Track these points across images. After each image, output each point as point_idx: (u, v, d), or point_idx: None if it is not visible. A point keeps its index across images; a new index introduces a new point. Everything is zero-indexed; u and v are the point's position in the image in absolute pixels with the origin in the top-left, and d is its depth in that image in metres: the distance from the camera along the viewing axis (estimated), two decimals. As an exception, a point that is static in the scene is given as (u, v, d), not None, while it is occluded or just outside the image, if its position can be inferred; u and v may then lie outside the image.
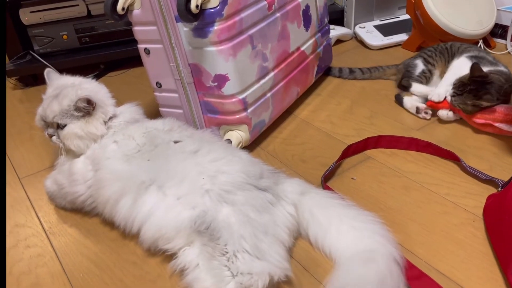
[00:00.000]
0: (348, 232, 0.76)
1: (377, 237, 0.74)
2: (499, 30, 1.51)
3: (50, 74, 0.95)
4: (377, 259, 0.69)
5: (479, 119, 1.04)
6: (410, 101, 1.19)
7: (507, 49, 1.46)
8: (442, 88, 1.13)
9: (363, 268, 0.69)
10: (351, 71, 1.39)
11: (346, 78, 1.40)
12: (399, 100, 1.23)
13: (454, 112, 1.11)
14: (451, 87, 1.10)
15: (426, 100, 1.17)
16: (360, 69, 1.39)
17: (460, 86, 1.07)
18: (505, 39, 1.49)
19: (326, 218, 0.79)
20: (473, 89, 1.05)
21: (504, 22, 1.49)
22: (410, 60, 1.28)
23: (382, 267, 0.68)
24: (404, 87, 1.24)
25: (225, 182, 0.78)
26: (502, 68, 1.11)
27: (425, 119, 1.15)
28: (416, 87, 1.21)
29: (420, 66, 1.24)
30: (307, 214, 0.80)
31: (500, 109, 1.03)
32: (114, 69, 1.60)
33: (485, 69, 1.07)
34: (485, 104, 1.04)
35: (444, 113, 1.12)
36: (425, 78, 1.22)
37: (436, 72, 1.22)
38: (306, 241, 0.81)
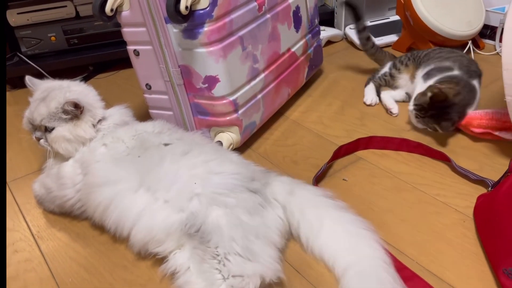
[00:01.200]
0: (341, 236, 0.76)
1: (372, 242, 0.73)
2: (488, 31, 1.52)
3: (32, 80, 0.93)
4: (381, 269, 0.69)
5: (477, 129, 1.03)
6: (383, 98, 1.24)
7: (495, 50, 1.47)
8: (386, 96, 1.22)
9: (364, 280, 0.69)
10: (369, 39, 1.33)
11: (362, 40, 1.34)
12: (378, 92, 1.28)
13: None
14: (410, 106, 1.08)
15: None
16: (374, 43, 1.34)
17: (422, 110, 1.04)
18: (494, 40, 1.50)
19: (317, 218, 0.78)
20: (434, 114, 1.02)
21: (493, 23, 1.50)
22: (392, 59, 1.30)
23: (380, 274, 0.68)
24: (367, 83, 1.30)
25: (216, 184, 0.77)
26: (456, 73, 1.08)
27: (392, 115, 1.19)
28: (368, 88, 1.27)
29: (385, 68, 1.27)
30: (297, 214, 0.80)
31: (496, 116, 1.02)
32: (103, 71, 1.58)
33: (444, 75, 1.07)
34: (442, 131, 1.03)
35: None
36: (384, 81, 1.25)
37: (402, 77, 1.23)
38: (298, 243, 0.81)
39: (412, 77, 1.20)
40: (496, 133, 1.01)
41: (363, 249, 0.73)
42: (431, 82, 1.08)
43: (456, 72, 1.09)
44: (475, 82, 1.08)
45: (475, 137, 1.06)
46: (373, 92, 1.26)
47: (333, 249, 0.75)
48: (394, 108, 1.18)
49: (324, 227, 0.77)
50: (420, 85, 1.11)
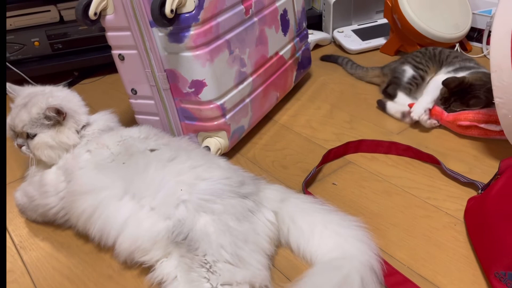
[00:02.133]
0: (329, 238, 0.74)
1: (358, 243, 0.72)
2: (475, 34, 1.53)
3: (11, 86, 0.91)
4: (346, 266, 0.68)
5: (464, 122, 1.04)
6: (394, 107, 1.17)
7: (483, 52, 1.48)
8: (420, 105, 1.10)
9: (325, 276, 0.68)
10: (349, 61, 1.45)
11: (341, 65, 1.47)
12: (381, 106, 1.20)
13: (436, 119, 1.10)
14: (430, 104, 1.09)
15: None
16: (351, 61, 1.44)
17: (445, 101, 1.08)
18: (481, 42, 1.51)
19: (308, 224, 0.77)
20: (457, 99, 1.06)
21: (480, 25, 1.51)
22: (397, 65, 1.24)
23: (349, 275, 0.67)
24: (389, 95, 1.19)
25: (204, 190, 0.75)
26: (484, 70, 1.12)
27: (412, 122, 1.13)
28: (401, 98, 1.16)
29: (409, 71, 1.19)
30: (288, 221, 0.79)
31: (483, 111, 1.03)
32: (88, 76, 1.56)
33: (462, 74, 1.08)
34: (475, 109, 1.05)
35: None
36: (416, 85, 1.18)
37: (428, 78, 1.19)
38: (288, 250, 0.79)
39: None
40: (482, 125, 1.02)
41: (345, 248, 0.72)
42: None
43: (482, 69, 1.13)
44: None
45: (464, 140, 1.06)
46: (408, 99, 1.15)
47: (320, 251, 0.74)
48: (415, 112, 1.11)
49: (315, 232, 0.76)
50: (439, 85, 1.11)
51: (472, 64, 1.16)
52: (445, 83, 1.06)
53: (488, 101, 1.04)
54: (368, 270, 0.68)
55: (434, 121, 1.10)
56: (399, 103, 1.16)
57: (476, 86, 1.05)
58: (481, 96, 1.04)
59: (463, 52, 1.47)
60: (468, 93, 1.05)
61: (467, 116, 1.04)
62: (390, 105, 1.18)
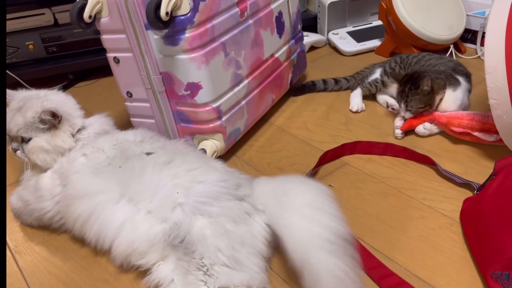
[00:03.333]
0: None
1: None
2: (469, 35, 1.54)
3: (6, 91, 0.90)
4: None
5: (457, 128, 1.04)
6: (382, 98, 1.24)
7: (477, 54, 1.49)
8: (383, 96, 1.22)
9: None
10: (336, 81, 1.34)
11: (332, 90, 1.34)
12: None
13: (431, 123, 1.09)
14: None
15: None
16: (345, 78, 1.35)
17: (403, 95, 1.08)
18: (475, 43, 1.52)
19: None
20: (411, 87, 1.07)
21: (474, 27, 1.52)
22: (377, 64, 1.28)
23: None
24: (351, 89, 1.29)
25: (200, 193, 0.75)
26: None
27: (393, 112, 1.19)
28: (354, 94, 1.26)
29: (376, 74, 1.25)
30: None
31: (477, 117, 1.03)
32: (83, 79, 1.55)
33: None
34: (426, 88, 1.04)
35: (421, 128, 1.09)
36: (375, 87, 1.24)
37: (393, 84, 1.21)
38: (285, 253, 0.79)
39: None
40: (475, 133, 1.02)
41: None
42: None
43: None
44: (458, 76, 1.12)
45: (459, 140, 1.06)
46: (359, 98, 1.24)
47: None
48: (396, 105, 1.17)
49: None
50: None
51: (440, 68, 1.16)
52: (392, 75, 1.16)
53: (442, 83, 1.07)
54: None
55: (427, 126, 1.09)
56: (352, 96, 1.26)
57: (421, 71, 1.09)
58: (431, 73, 1.07)
59: (457, 53, 1.48)
60: (419, 77, 1.07)
61: (460, 123, 1.03)
62: (379, 97, 1.26)
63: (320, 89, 1.34)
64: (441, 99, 1.08)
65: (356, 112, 1.22)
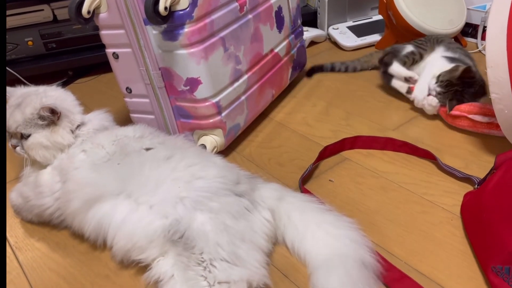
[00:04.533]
0: (323, 238, 0.74)
1: (351, 243, 0.72)
2: (469, 29, 1.53)
3: None
4: (342, 264, 0.68)
5: (454, 112, 1.05)
6: (399, 83, 1.21)
7: (477, 48, 1.48)
8: (421, 85, 1.13)
9: (326, 276, 0.68)
10: (342, 62, 1.43)
11: (339, 71, 1.42)
12: (386, 80, 1.25)
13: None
14: (426, 91, 1.11)
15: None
16: (344, 63, 1.43)
17: (448, 85, 1.08)
18: (476, 38, 1.51)
19: (303, 223, 0.77)
20: (459, 90, 1.07)
21: (474, 21, 1.51)
22: (400, 44, 1.28)
23: (348, 272, 0.67)
24: (385, 64, 1.23)
25: (200, 188, 0.75)
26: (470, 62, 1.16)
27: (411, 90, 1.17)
28: (396, 66, 1.20)
29: (409, 48, 1.23)
30: (285, 219, 0.78)
31: (477, 104, 1.04)
32: (82, 75, 1.55)
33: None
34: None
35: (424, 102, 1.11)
36: (412, 60, 1.21)
37: (426, 58, 1.21)
38: (285, 248, 0.79)
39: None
40: (470, 116, 1.03)
41: (336, 247, 0.72)
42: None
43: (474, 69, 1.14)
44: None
45: (460, 135, 1.06)
46: (404, 69, 1.19)
47: (313, 252, 0.74)
48: (416, 76, 1.17)
49: (308, 231, 0.76)
50: (441, 64, 1.13)
51: (469, 62, 1.17)
52: (466, 69, 1.05)
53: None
54: (362, 267, 0.68)
55: (433, 103, 1.10)
56: (394, 71, 1.21)
57: (476, 86, 1.08)
58: (477, 93, 1.07)
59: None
60: (470, 89, 1.07)
61: (459, 107, 1.05)
62: (395, 81, 1.22)
63: (327, 69, 1.43)
64: None
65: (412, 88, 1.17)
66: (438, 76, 1.10)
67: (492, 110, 0.92)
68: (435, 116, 1.14)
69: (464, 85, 1.07)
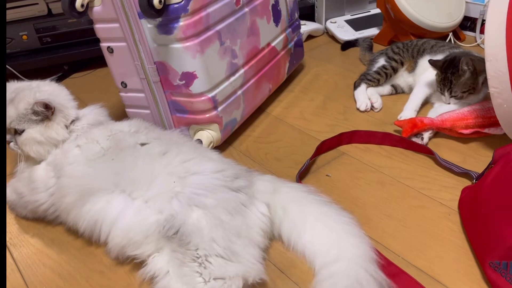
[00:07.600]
0: (322, 232, 0.74)
1: (351, 238, 0.72)
2: (468, 23, 1.52)
3: None
4: (352, 269, 0.68)
5: (465, 130, 1.00)
6: (364, 97, 1.18)
7: (476, 42, 1.47)
8: (408, 111, 1.10)
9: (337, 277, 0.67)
10: (366, 45, 1.43)
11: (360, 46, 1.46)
12: (355, 87, 1.22)
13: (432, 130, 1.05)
14: (414, 113, 1.09)
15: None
16: (367, 46, 1.42)
17: (445, 82, 1.06)
18: (474, 31, 1.50)
19: (299, 216, 0.77)
20: (453, 71, 1.05)
21: (473, 14, 1.50)
22: (377, 54, 1.27)
23: (356, 271, 0.67)
24: (354, 87, 1.22)
25: (196, 184, 0.74)
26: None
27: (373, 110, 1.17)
28: (359, 91, 1.19)
29: (381, 62, 1.22)
30: (280, 212, 0.78)
31: (481, 113, 1.00)
32: (78, 70, 1.53)
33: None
34: (466, 68, 1.03)
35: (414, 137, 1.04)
36: (385, 75, 1.20)
37: (403, 72, 1.20)
38: (281, 243, 0.78)
39: (410, 67, 1.20)
40: (485, 130, 1.00)
41: (342, 247, 0.71)
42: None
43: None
44: None
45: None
46: (365, 95, 1.18)
47: (313, 246, 0.73)
48: (377, 102, 1.16)
49: (306, 224, 0.75)
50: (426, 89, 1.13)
51: (460, 50, 1.16)
52: (431, 63, 1.08)
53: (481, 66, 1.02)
54: (370, 263, 0.68)
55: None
56: (357, 95, 1.19)
57: (460, 54, 1.06)
58: (469, 56, 1.05)
59: (456, 41, 1.47)
60: (457, 62, 1.05)
61: (467, 123, 1.00)
62: (368, 91, 1.20)
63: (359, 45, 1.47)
64: (483, 82, 1.04)
65: (365, 111, 1.16)
66: (441, 88, 1.08)
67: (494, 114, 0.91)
68: (433, 110, 1.13)
69: (450, 68, 1.05)
